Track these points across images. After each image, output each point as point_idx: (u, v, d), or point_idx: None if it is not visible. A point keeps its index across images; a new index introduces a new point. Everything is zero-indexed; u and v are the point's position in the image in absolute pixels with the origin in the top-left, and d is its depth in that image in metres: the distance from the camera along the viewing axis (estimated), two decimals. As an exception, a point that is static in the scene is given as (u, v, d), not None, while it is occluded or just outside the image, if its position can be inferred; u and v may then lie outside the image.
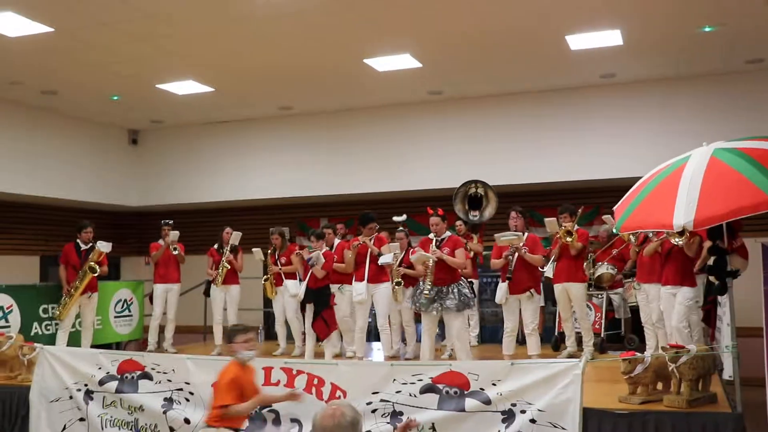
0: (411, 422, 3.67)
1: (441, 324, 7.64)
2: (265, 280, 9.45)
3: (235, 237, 9.74)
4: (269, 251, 9.43)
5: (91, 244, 9.22)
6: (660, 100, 10.52)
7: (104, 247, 9.16)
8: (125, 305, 10.93)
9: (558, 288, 8.19)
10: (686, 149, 5.37)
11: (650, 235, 7.27)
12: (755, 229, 8.31)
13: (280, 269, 9.19)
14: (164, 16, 7.86)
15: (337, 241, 9.12)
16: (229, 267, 9.71)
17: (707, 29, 8.42)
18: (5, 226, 12.05)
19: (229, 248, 9.72)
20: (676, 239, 6.88)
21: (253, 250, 9.48)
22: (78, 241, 9.23)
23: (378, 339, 8.88)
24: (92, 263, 9.04)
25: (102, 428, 6.75)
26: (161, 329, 9.99)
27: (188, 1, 7.46)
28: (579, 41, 8.82)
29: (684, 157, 5.25)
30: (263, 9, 7.66)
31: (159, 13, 7.75)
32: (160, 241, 9.93)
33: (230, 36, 8.57)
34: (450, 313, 7.25)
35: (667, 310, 7.01)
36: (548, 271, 8.54)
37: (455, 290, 7.25)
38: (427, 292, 7.27)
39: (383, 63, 9.63)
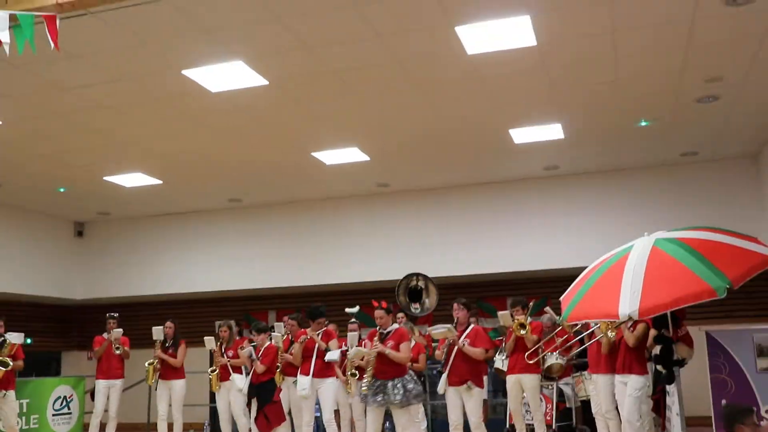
0: None
1: (391, 417, 7.50)
2: (212, 372, 9.22)
3: (155, 332, 9.49)
4: (217, 344, 9.26)
5: (2, 337, 8.83)
6: (601, 190, 10.88)
7: (15, 338, 8.69)
8: (64, 402, 10.52)
9: (511, 380, 8.15)
10: (628, 239, 5.51)
11: (593, 325, 7.34)
12: (698, 317, 8.48)
13: (228, 361, 9.01)
14: (116, 108, 7.89)
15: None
16: (158, 366, 9.42)
17: (643, 123, 8.82)
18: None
19: (159, 344, 9.45)
20: (610, 333, 6.96)
21: (205, 338, 9.27)
22: None
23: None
24: (2, 357, 8.61)
25: None
26: (102, 427, 9.62)
27: (141, 93, 7.53)
28: (522, 135, 9.12)
29: (627, 248, 5.38)
30: (214, 104, 7.77)
31: (112, 104, 7.79)
32: (105, 335, 9.67)
33: (181, 129, 8.64)
34: (395, 407, 7.14)
35: (620, 398, 7.02)
36: (498, 363, 8.53)
37: (399, 384, 7.13)
38: (365, 386, 7.16)
39: (331, 156, 9.79)
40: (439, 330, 7.76)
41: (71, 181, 10.80)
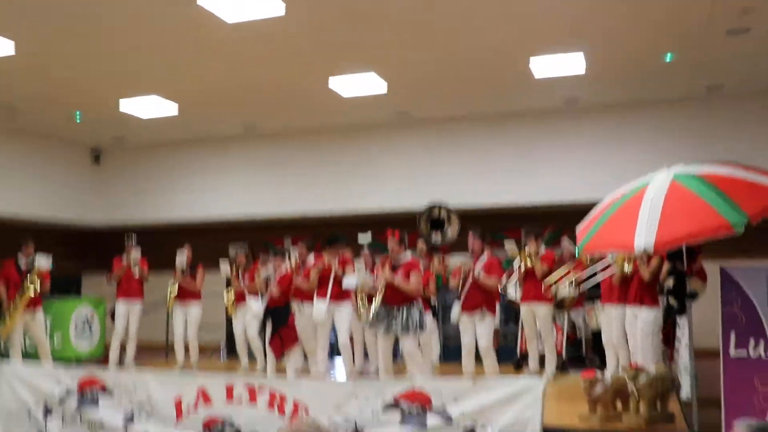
0: None
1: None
2: (228, 292, 9.41)
3: (179, 260, 9.67)
4: (233, 269, 9.41)
5: (32, 260, 9.07)
6: (621, 124, 10.74)
7: (43, 261, 9.02)
8: (86, 322, 10.78)
9: (524, 308, 8.29)
10: (647, 173, 5.47)
11: (610, 258, 7.38)
12: (714, 253, 8.47)
13: (244, 287, 9.16)
14: (130, 34, 7.84)
15: (312, 257, 9.05)
16: (176, 293, 9.65)
17: (669, 57, 8.64)
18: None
19: (179, 270, 9.64)
20: (626, 266, 6.99)
21: (221, 264, 9.40)
22: (18, 257, 9.10)
23: (339, 357, 8.87)
24: (30, 282, 8.89)
25: (61, 445, 6.66)
26: (122, 346, 9.86)
27: (155, 20, 7.46)
28: (543, 64, 8.96)
29: (645, 181, 5.35)
30: (230, 34, 7.69)
31: (125, 30, 7.74)
32: (123, 258, 9.83)
33: (196, 57, 8.59)
34: (403, 335, 7.32)
35: (630, 330, 7.10)
36: (511, 292, 8.61)
37: (405, 313, 7.30)
38: (372, 314, 7.31)
39: (348, 84, 9.68)
40: (456, 261, 7.87)
41: (87, 108, 10.80)
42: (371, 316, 7.30)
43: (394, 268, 7.41)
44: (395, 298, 7.30)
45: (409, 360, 7.40)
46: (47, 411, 6.79)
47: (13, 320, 8.93)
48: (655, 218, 4.86)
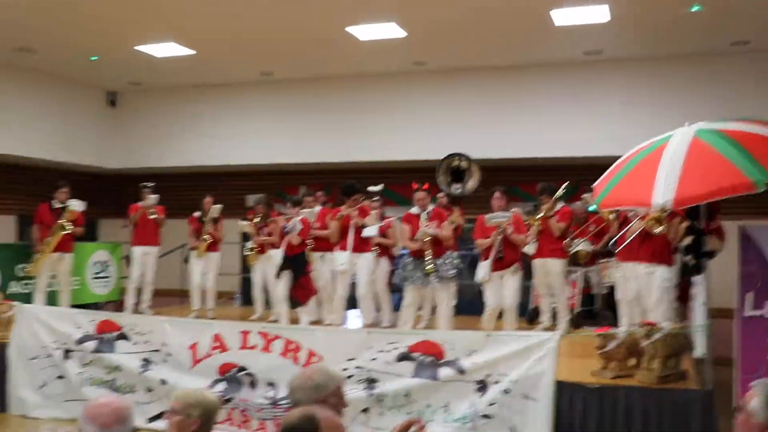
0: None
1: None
2: (250, 250, 9.47)
3: (215, 210, 9.71)
4: (252, 220, 9.45)
5: (66, 204, 9.16)
6: (644, 78, 10.57)
7: (77, 205, 9.11)
8: (103, 267, 10.89)
9: (537, 263, 8.28)
10: (668, 129, 5.37)
11: (630, 214, 7.33)
12: (733, 212, 8.40)
13: (264, 239, 9.20)
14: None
15: (318, 207, 9.09)
16: (211, 239, 9.70)
17: (695, 8, 8.43)
18: (-19, 185, 11.92)
19: (208, 219, 9.68)
20: (656, 229, 6.92)
21: (239, 223, 9.41)
22: (52, 200, 9.16)
23: (355, 308, 8.93)
24: (63, 221, 8.97)
25: (80, 387, 6.78)
26: (138, 291, 9.97)
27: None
28: (564, 16, 8.80)
29: (666, 137, 5.27)
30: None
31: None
32: (140, 204, 9.87)
33: (214, 0, 8.46)
34: (444, 283, 7.43)
35: (645, 287, 7.09)
36: (528, 248, 8.58)
37: (448, 261, 7.47)
38: (430, 266, 7.42)
39: (366, 31, 9.54)
40: (497, 218, 7.79)
41: (102, 50, 10.73)
42: (430, 266, 7.44)
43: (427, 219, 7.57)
44: (436, 250, 7.49)
45: (441, 309, 7.51)
46: (66, 353, 6.90)
47: (42, 259, 9.02)
48: (675, 175, 4.79)
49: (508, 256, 7.81)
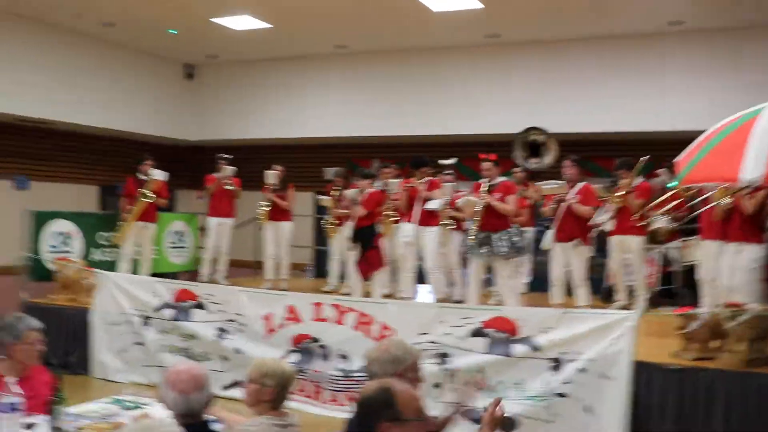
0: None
1: (490, 270, 7.63)
2: (329, 224, 9.46)
3: (269, 176, 9.68)
4: (330, 193, 9.44)
5: (148, 174, 9.40)
6: (729, 50, 10.10)
7: (158, 175, 9.32)
8: (180, 237, 11.15)
9: (614, 240, 8.07)
10: (756, 103, 5.15)
11: (706, 191, 7.05)
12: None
13: (341, 212, 9.19)
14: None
15: (397, 180, 9.00)
16: (270, 206, 9.69)
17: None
18: (66, 155, 12.28)
19: (272, 187, 9.72)
20: (726, 200, 6.65)
21: (320, 198, 9.37)
22: (138, 174, 9.43)
23: (426, 282, 8.90)
24: (146, 191, 9.19)
25: (157, 353, 6.97)
26: (214, 262, 10.16)
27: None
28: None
29: (755, 110, 5.04)
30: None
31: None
32: (216, 175, 10.02)
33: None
34: (498, 259, 7.23)
35: (730, 266, 6.83)
36: (603, 223, 8.38)
37: (504, 237, 7.21)
38: (473, 236, 7.24)
39: (440, 2, 9.37)
40: (550, 185, 7.70)
41: (180, 23, 10.88)
42: (471, 237, 7.24)
43: (488, 192, 7.32)
44: (492, 224, 7.22)
45: (503, 286, 7.37)
46: (145, 320, 7.10)
47: (128, 228, 9.27)
48: (765, 150, 4.59)
49: (570, 229, 7.63)
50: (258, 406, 3.31)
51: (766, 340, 5.39)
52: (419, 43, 11.59)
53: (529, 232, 8.86)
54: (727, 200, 6.60)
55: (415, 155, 8.75)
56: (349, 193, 8.49)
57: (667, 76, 10.43)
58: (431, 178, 8.54)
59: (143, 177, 9.40)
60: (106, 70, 11.89)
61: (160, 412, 3.26)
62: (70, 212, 9.62)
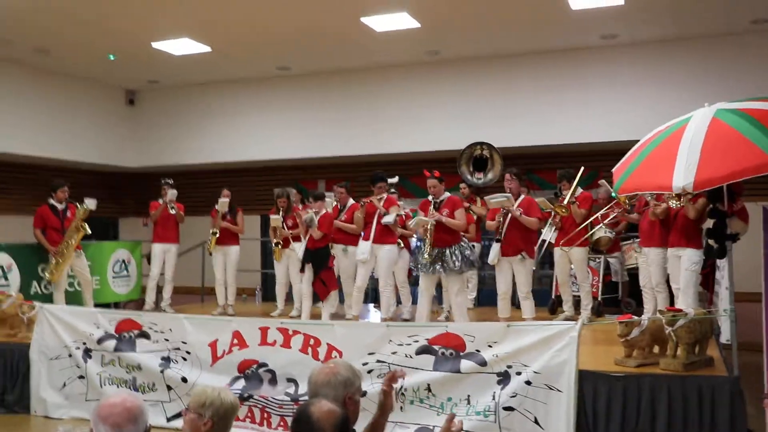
0: (397, 373, 3.66)
1: (438, 287, 7.64)
2: (276, 245, 9.35)
3: (220, 204, 9.59)
4: (279, 212, 9.38)
5: (65, 204, 9.13)
6: (661, 61, 10.35)
7: (91, 204, 9.06)
8: (123, 265, 10.94)
9: (558, 252, 8.19)
10: (686, 112, 5.27)
11: (649, 198, 7.21)
12: (757, 192, 8.25)
13: (289, 234, 9.11)
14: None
15: (351, 201, 8.98)
16: (218, 234, 9.58)
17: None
18: (2, 186, 11.99)
19: (220, 213, 9.62)
20: (674, 202, 6.80)
21: (272, 217, 9.30)
22: (52, 201, 9.11)
23: (375, 300, 8.88)
24: (83, 222, 8.97)
25: (101, 386, 6.80)
26: (159, 289, 9.99)
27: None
28: (582, 0, 8.67)
29: (685, 119, 5.17)
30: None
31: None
32: (160, 201, 9.87)
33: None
34: (451, 274, 7.25)
35: (673, 271, 6.96)
36: (546, 235, 8.49)
37: (457, 251, 7.25)
38: (427, 255, 7.25)
39: (381, 22, 9.47)
40: (497, 198, 7.76)
41: (120, 48, 10.75)
42: (426, 256, 7.24)
43: (436, 208, 7.34)
44: (443, 239, 7.25)
45: (454, 301, 7.38)
46: (87, 352, 6.92)
47: (65, 263, 9.02)
48: (695, 157, 4.71)
49: (515, 242, 7.70)
50: (197, 437, 3.23)
51: (704, 343, 5.51)
52: (360, 63, 11.64)
53: (476, 246, 8.91)
54: (675, 203, 6.73)
55: (374, 172, 8.75)
56: (306, 216, 8.42)
57: (603, 88, 10.63)
58: (388, 195, 8.52)
59: (58, 205, 9.10)
60: (42, 98, 11.67)
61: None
62: (7, 244, 9.34)
